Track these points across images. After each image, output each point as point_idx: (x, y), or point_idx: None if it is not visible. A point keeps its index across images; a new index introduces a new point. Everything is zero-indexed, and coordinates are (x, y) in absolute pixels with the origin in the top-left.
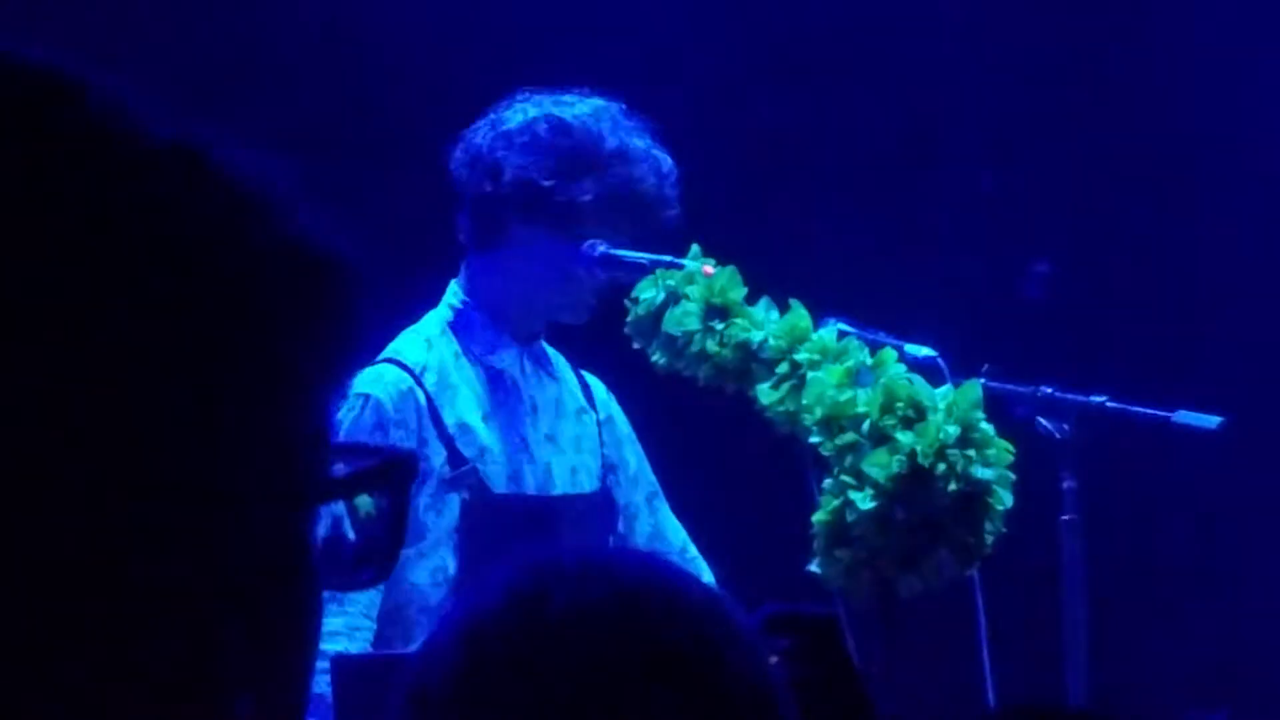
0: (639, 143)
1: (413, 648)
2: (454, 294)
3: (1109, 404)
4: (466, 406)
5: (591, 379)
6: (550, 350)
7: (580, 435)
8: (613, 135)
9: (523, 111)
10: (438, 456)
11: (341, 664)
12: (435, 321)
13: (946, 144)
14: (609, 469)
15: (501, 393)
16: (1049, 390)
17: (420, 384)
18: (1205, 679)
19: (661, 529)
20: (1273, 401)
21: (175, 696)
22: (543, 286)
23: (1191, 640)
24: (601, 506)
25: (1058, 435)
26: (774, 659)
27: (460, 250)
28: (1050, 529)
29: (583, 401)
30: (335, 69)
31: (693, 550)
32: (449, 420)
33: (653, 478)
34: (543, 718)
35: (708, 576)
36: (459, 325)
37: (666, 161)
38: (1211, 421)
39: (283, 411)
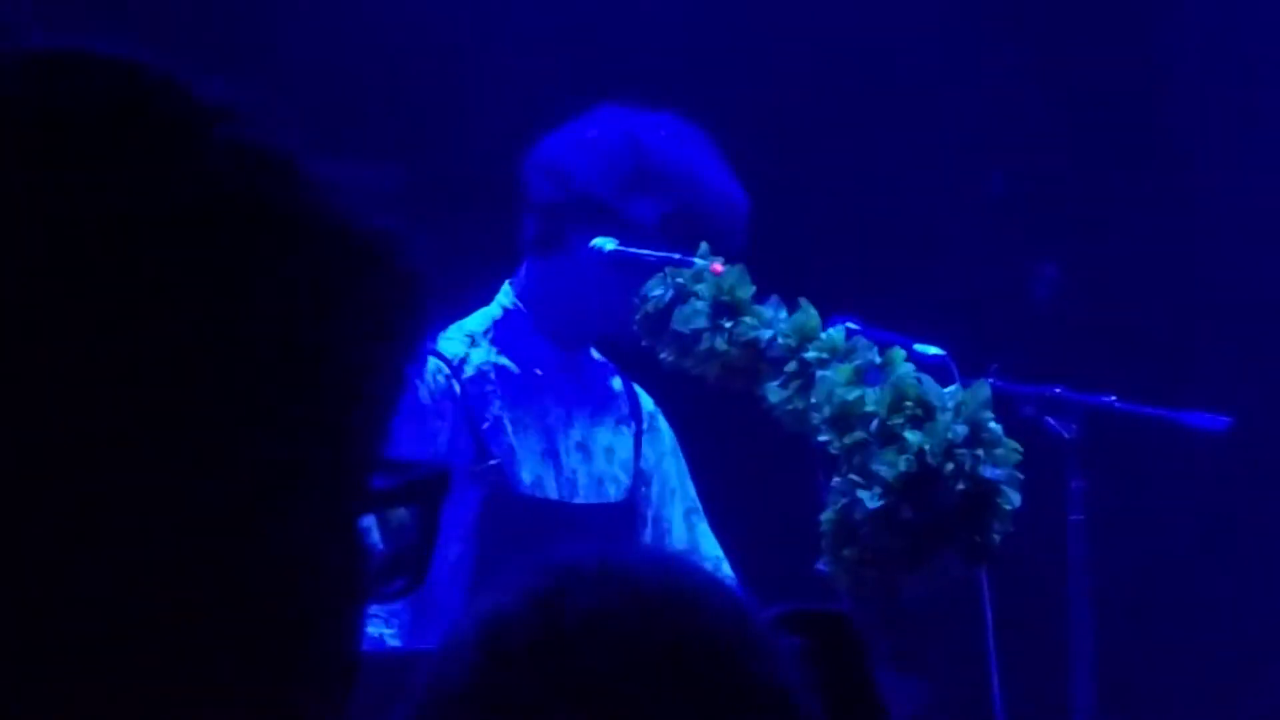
0: (714, 171)
1: (421, 642)
2: (506, 294)
3: (1117, 404)
4: (500, 405)
5: (641, 392)
6: (599, 359)
7: (614, 446)
8: (687, 159)
9: (601, 123)
10: (466, 450)
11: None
12: (482, 319)
13: (957, 144)
14: (642, 480)
15: (537, 397)
16: (1057, 390)
17: (457, 376)
18: (1213, 680)
19: (696, 546)
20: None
21: (178, 705)
22: (594, 298)
23: (1199, 641)
24: (624, 516)
25: (1065, 435)
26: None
27: (518, 253)
28: (1058, 529)
29: (625, 413)
30: (363, 66)
31: (727, 569)
32: (481, 415)
33: (694, 495)
34: None
35: None
36: (505, 325)
37: (738, 194)
38: (1220, 423)
39: (334, 408)
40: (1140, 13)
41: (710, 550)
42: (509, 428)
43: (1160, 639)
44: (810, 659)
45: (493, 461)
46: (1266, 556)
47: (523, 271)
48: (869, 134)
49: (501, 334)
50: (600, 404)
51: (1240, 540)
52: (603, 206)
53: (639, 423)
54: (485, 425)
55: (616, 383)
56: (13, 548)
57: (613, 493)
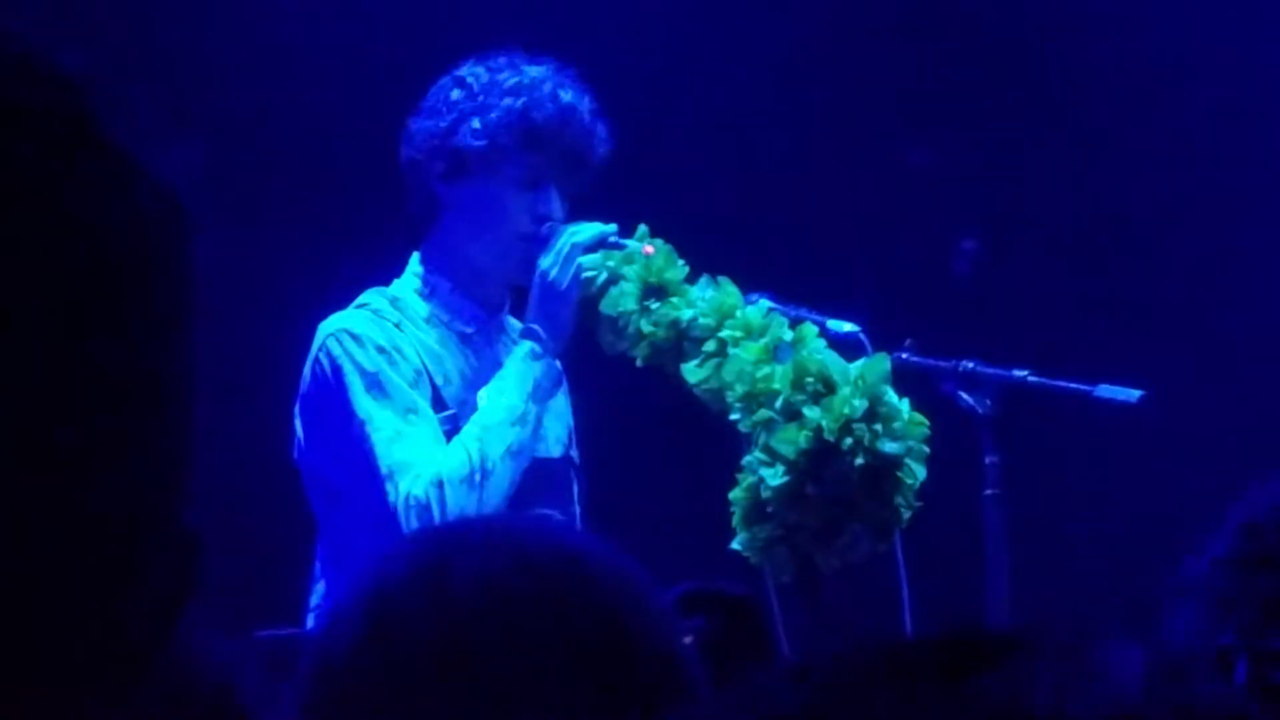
0: (533, 77)
1: None
2: (416, 264)
3: (1030, 378)
4: (447, 359)
5: None
6: (517, 324)
7: (550, 402)
8: (501, 76)
9: (438, 82)
10: (426, 397)
11: (261, 645)
12: (401, 287)
13: (873, 119)
14: (572, 434)
15: (473, 356)
16: (970, 365)
17: (397, 327)
18: None
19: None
20: (1193, 374)
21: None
22: (481, 242)
23: (1114, 616)
24: (564, 473)
25: (980, 410)
26: (689, 638)
27: (415, 226)
28: (973, 504)
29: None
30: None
31: None
32: (432, 369)
33: None
34: (445, 689)
35: None
36: (427, 293)
37: (572, 92)
38: (1132, 395)
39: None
40: None
41: None
42: (457, 380)
43: (1076, 613)
44: (713, 636)
45: (449, 411)
46: (1183, 528)
47: (423, 241)
48: (790, 110)
49: (425, 300)
50: None
51: (1155, 512)
52: (438, 151)
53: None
54: (438, 379)
55: None
56: None
57: (555, 449)
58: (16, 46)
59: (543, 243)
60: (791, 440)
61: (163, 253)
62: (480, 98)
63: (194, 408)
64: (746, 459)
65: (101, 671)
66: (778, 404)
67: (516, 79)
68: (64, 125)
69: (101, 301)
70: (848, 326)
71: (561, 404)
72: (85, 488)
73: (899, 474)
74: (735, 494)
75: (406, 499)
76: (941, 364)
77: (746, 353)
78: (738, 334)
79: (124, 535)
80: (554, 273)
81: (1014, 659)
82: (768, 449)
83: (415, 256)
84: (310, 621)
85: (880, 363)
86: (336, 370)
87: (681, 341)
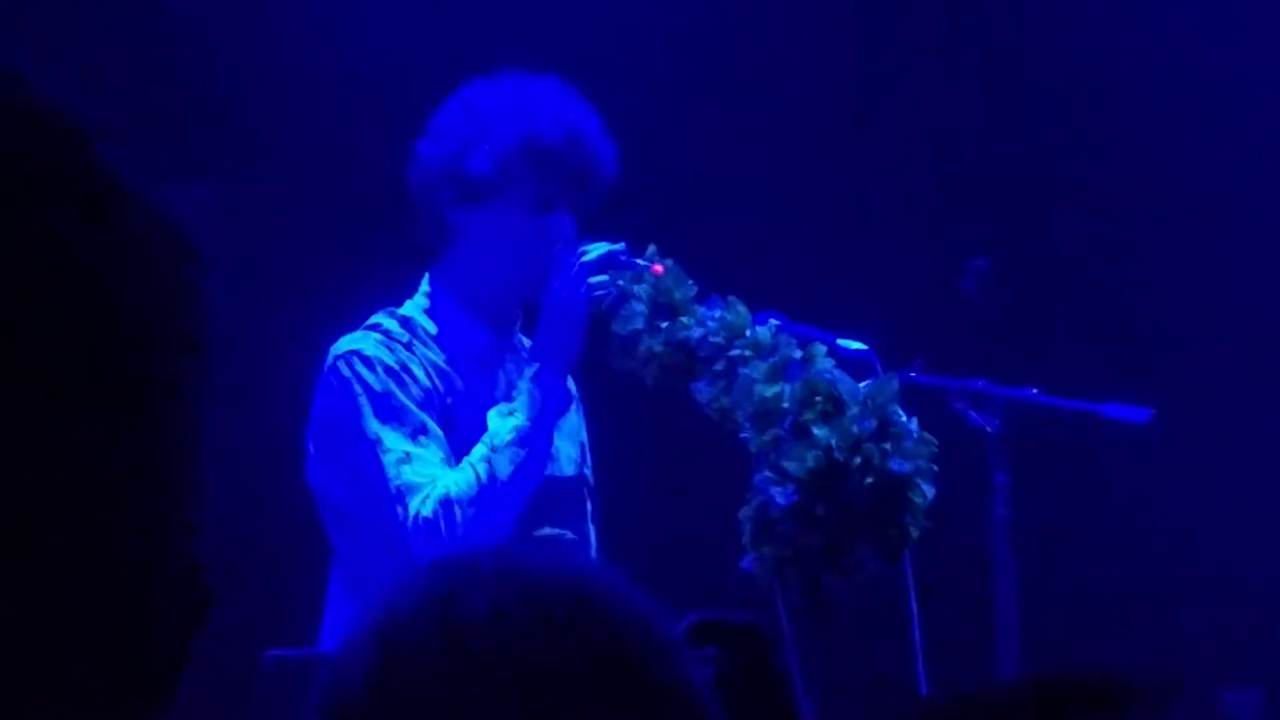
0: (539, 98)
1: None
2: (427, 284)
3: (1039, 398)
4: (457, 381)
5: None
6: (528, 343)
7: (562, 421)
8: (509, 98)
9: (449, 100)
10: (435, 414)
11: (267, 663)
12: (410, 308)
13: (882, 139)
14: (585, 453)
15: (480, 377)
16: (980, 384)
17: (408, 347)
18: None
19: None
20: (1202, 394)
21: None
22: (493, 265)
23: (1122, 633)
24: (577, 492)
25: (989, 429)
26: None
27: (425, 247)
28: (983, 523)
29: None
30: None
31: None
32: (443, 389)
33: None
34: None
35: None
36: (435, 313)
37: (578, 113)
38: (1142, 414)
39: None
40: (1070, 11)
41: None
42: (467, 400)
43: (1085, 632)
44: (724, 666)
45: (459, 432)
46: (1189, 547)
47: (439, 260)
48: (800, 129)
49: (434, 320)
50: None
51: (1163, 531)
52: (449, 177)
53: (575, 397)
54: (448, 399)
55: None
56: None
57: (568, 468)
58: (19, 89)
59: (554, 263)
60: (800, 459)
61: (171, 291)
62: (487, 122)
63: (203, 443)
64: (755, 478)
65: (116, 708)
66: (787, 423)
67: (522, 101)
68: (69, 167)
69: (109, 341)
70: (857, 346)
71: (574, 423)
72: (94, 528)
73: (908, 493)
74: (744, 513)
75: (415, 519)
76: (951, 383)
77: (756, 372)
78: (747, 353)
79: (136, 573)
80: (564, 293)
81: (1138, 706)
82: (777, 468)
83: (426, 277)
84: (324, 641)
85: (889, 382)
86: (346, 392)
87: (691, 361)
